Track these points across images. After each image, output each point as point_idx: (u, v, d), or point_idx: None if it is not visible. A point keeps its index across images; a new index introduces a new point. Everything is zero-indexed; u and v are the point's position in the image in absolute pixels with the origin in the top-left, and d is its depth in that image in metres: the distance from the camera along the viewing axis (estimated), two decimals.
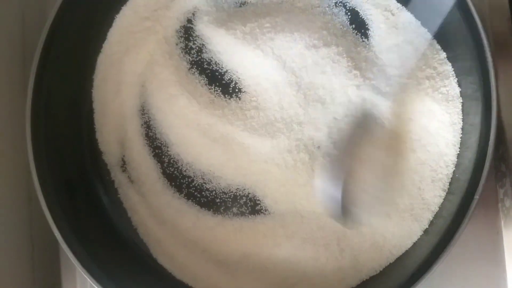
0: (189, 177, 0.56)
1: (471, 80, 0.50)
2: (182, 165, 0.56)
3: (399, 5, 0.55)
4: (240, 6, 0.57)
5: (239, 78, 0.56)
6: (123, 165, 0.57)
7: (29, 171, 0.54)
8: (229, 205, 0.55)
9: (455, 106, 0.52)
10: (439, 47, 0.53)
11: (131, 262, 0.54)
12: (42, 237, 0.58)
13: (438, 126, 0.52)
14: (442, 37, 0.53)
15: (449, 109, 0.51)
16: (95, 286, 0.48)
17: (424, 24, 0.54)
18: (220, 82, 0.56)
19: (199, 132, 0.55)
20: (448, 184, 0.51)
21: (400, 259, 0.51)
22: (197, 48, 0.57)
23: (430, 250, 0.48)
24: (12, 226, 0.56)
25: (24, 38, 0.60)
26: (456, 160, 0.51)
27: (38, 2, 0.62)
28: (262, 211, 0.54)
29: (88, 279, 0.47)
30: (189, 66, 0.57)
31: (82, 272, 0.47)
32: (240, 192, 0.55)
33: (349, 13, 0.56)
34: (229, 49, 0.56)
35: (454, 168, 0.51)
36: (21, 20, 0.60)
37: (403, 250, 0.51)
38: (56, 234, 0.48)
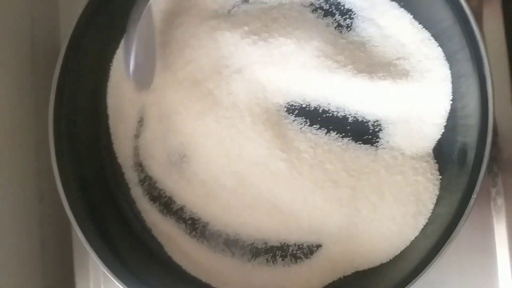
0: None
1: (468, 81, 0.51)
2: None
3: None
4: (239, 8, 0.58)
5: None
6: (137, 168, 0.58)
7: (40, 172, 0.55)
8: None
9: (445, 94, 0.53)
10: (427, 34, 0.54)
11: (148, 260, 0.55)
12: (52, 236, 0.60)
13: (429, 119, 0.53)
14: (437, 35, 0.54)
15: (439, 95, 0.53)
16: (115, 282, 0.49)
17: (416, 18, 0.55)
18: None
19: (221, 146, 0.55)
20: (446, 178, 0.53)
21: (400, 256, 0.52)
22: None
23: (430, 246, 0.49)
24: (22, 226, 0.56)
25: (32, 38, 0.60)
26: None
27: (46, 5, 0.63)
28: None
29: (110, 276, 0.49)
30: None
31: (104, 270, 0.48)
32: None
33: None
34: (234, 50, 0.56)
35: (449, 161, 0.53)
36: (29, 21, 0.60)
37: (403, 247, 0.52)
38: (77, 231, 0.49)
